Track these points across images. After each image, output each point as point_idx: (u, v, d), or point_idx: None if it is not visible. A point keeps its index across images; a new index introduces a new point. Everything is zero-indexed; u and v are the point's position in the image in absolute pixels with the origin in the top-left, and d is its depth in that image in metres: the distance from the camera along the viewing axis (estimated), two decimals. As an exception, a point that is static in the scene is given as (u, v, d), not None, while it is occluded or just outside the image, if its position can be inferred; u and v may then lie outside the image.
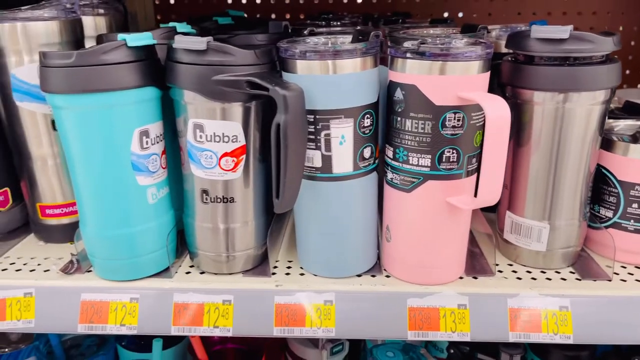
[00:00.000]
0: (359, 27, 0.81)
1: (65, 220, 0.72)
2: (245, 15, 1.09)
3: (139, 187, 0.60)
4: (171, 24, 0.69)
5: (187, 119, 0.58)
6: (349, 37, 0.61)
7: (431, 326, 0.60)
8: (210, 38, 0.54)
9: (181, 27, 0.69)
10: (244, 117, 0.58)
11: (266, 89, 0.53)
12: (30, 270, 0.66)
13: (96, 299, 0.61)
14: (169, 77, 0.58)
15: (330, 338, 0.73)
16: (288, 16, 1.34)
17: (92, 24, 0.77)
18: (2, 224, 0.74)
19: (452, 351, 0.83)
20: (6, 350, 0.90)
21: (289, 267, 0.67)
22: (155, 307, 0.62)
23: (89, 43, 0.72)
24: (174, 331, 0.61)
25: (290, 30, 0.77)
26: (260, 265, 0.66)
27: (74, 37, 0.67)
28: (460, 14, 1.29)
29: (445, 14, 1.30)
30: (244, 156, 0.59)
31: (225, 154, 0.58)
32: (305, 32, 0.68)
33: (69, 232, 0.72)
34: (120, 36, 0.56)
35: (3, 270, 0.66)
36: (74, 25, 0.67)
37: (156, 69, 0.59)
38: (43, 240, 0.73)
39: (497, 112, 0.51)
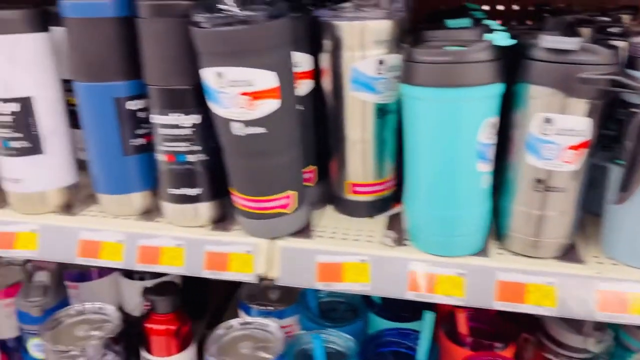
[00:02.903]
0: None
1: (370, 197, 0.80)
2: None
3: (477, 174, 0.66)
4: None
5: (534, 113, 0.63)
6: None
7: None
8: (581, 39, 0.58)
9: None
10: (593, 113, 0.61)
11: (634, 88, 0.56)
12: (354, 240, 0.75)
13: (427, 271, 0.69)
14: (525, 74, 0.62)
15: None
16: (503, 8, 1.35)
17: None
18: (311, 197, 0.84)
19: None
20: (270, 308, 1.03)
21: (595, 257, 0.70)
22: (479, 284, 0.68)
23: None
24: (497, 306, 0.67)
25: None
26: (568, 254, 0.70)
27: (401, 34, 0.74)
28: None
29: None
30: (585, 150, 0.63)
31: (569, 147, 0.62)
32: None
33: (370, 209, 0.81)
34: (487, 36, 0.61)
35: (329, 237, 0.75)
36: (402, 24, 0.74)
37: (505, 66, 0.64)
38: (346, 213, 0.82)
39: None
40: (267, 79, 0.65)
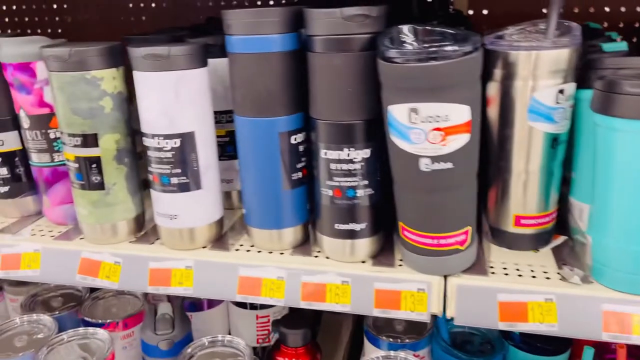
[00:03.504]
0: None
1: (534, 230, 0.77)
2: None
3: (685, 209, 0.63)
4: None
5: None
6: None
7: None
8: None
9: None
10: None
11: None
12: (531, 276, 0.71)
13: (624, 310, 0.65)
14: None
15: None
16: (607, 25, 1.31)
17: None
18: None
19: None
20: (398, 341, 0.99)
21: None
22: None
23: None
24: None
25: None
26: None
27: (577, 64, 0.71)
28: None
29: None
30: None
31: None
32: None
33: (534, 241, 0.78)
34: None
35: (503, 274, 0.73)
36: (578, 54, 0.71)
37: None
38: (506, 246, 0.79)
39: None
40: (462, 114, 0.62)
